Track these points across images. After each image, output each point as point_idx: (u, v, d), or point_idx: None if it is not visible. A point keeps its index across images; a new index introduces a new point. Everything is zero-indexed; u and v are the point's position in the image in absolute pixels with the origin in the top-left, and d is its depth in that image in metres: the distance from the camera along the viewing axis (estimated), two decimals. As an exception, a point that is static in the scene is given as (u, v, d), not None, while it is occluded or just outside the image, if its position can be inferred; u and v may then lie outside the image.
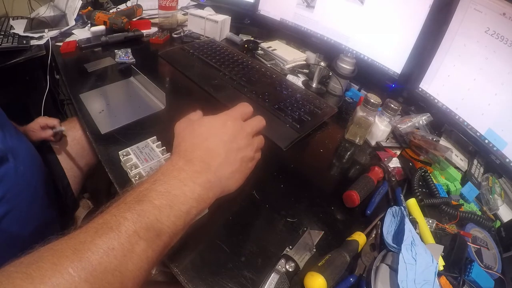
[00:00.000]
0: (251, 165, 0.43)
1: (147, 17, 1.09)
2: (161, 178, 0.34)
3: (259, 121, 0.44)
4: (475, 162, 0.70)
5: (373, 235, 0.48)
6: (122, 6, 1.12)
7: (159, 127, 0.62)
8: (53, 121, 0.72)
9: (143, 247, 0.28)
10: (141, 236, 0.28)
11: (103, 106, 0.66)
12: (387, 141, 0.70)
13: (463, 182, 0.63)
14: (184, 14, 1.14)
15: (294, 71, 0.96)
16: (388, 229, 0.47)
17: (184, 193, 0.33)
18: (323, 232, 0.48)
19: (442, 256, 0.46)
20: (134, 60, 0.83)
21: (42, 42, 0.91)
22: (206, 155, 0.37)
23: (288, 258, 0.42)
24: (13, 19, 1.04)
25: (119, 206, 0.30)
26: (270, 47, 0.99)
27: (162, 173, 0.35)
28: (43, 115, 0.74)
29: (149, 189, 0.32)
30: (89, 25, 0.98)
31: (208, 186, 0.35)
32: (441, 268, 0.45)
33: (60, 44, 0.86)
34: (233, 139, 0.39)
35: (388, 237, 0.45)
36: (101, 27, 0.94)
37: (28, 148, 0.61)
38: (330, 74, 0.88)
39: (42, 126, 0.71)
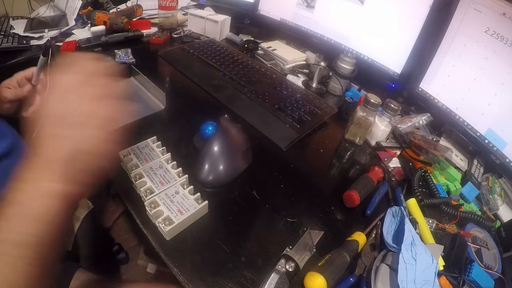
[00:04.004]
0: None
1: (147, 17, 1.09)
2: None
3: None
4: (475, 162, 0.70)
5: (373, 235, 0.48)
6: (122, 6, 1.12)
7: (159, 127, 0.62)
8: (29, 71, 0.59)
9: None
10: None
11: (103, 106, 0.66)
12: (387, 141, 0.70)
13: (463, 182, 0.63)
14: (184, 14, 1.14)
15: (294, 71, 0.96)
16: (388, 229, 0.47)
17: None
18: (323, 232, 0.48)
19: (442, 256, 0.46)
20: (134, 60, 0.83)
21: (42, 42, 0.91)
22: None
23: (288, 258, 0.42)
24: (13, 19, 1.04)
25: None
26: (270, 47, 0.99)
27: None
28: None
29: None
30: (89, 25, 0.98)
31: None
32: (441, 268, 0.45)
33: (60, 44, 0.86)
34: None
35: (388, 237, 0.45)
36: (101, 27, 0.94)
37: (25, 145, 0.61)
38: (330, 74, 0.88)
39: (19, 81, 0.60)
